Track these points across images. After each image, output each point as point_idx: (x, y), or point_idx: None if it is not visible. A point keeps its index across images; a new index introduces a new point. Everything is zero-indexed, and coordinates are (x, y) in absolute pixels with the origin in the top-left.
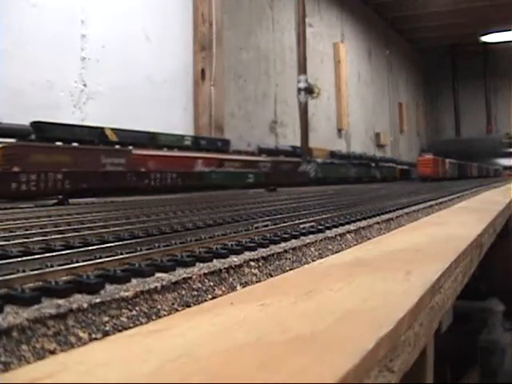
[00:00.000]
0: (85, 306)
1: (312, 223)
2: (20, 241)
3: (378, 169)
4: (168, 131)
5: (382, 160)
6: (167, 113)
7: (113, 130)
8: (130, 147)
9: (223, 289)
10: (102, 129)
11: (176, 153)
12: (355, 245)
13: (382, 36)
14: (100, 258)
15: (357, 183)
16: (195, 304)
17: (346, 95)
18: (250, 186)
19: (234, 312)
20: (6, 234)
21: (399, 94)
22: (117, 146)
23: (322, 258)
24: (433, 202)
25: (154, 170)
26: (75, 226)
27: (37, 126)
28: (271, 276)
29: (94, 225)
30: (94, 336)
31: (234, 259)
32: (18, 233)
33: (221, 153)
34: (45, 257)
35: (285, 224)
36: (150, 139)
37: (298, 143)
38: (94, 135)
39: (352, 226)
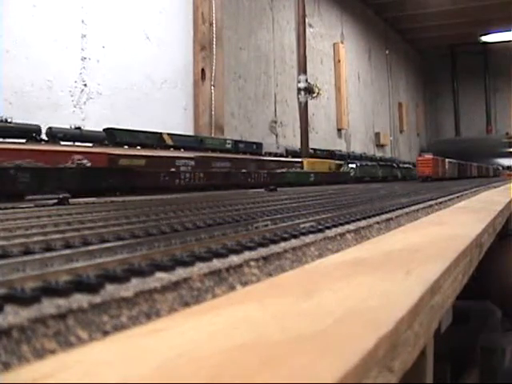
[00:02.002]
0: (85, 306)
1: (312, 223)
2: (20, 241)
3: (399, 169)
4: (168, 131)
5: (402, 162)
6: (167, 112)
7: (169, 134)
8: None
9: (223, 289)
10: (160, 134)
11: (34, 146)
12: (355, 245)
13: (382, 36)
14: (100, 257)
15: (383, 181)
16: (195, 304)
17: (346, 95)
18: (311, 183)
19: (234, 312)
20: (7, 234)
21: (399, 93)
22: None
23: (322, 257)
24: (432, 202)
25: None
26: (75, 226)
27: (109, 132)
28: (271, 276)
29: (94, 225)
30: (93, 336)
31: (234, 259)
32: (18, 233)
33: (256, 154)
34: (45, 257)
35: (285, 224)
36: (199, 142)
37: (297, 143)
38: (154, 139)
39: (352, 226)
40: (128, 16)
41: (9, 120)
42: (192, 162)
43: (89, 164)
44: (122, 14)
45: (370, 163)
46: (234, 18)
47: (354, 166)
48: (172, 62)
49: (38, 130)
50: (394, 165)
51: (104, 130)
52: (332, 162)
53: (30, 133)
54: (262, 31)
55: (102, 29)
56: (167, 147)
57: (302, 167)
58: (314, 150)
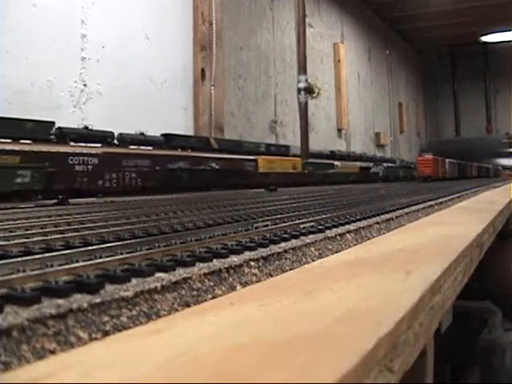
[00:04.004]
0: (85, 305)
1: (312, 223)
2: (20, 241)
3: (415, 170)
4: (168, 131)
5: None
6: (167, 112)
7: (215, 139)
8: None
9: (223, 289)
10: (207, 138)
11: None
12: (355, 245)
13: (382, 36)
14: (100, 257)
15: (403, 180)
16: (195, 304)
17: (346, 95)
18: (352, 181)
19: (234, 312)
20: (6, 234)
21: (399, 93)
22: None
23: (321, 257)
24: (432, 202)
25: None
26: (75, 226)
27: (166, 137)
28: (271, 276)
29: (94, 225)
30: (93, 336)
31: (234, 259)
32: (18, 233)
33: (284, 156)
34: (45, 257)
35: (285, 224)
36: (238, 146)
37: (297, 143)
38: (202, 143)
39: (352, 226)
40: (128, 16)
41: (89, 127)
42: (95, 160)
43: (217, 167)
44: (122, 14)
45: (394, 165)
46: (234, 18)
47: (382, 168)
48: (172, 62)
49: (111, 135)
50: (412, 166)
51: (162, 135)
52: (297, 160)
53: (105, 138)
54: (262, 31)
55: (102, 29)
56: (213, 150)
57: (256, 166)
58: (331, 152)
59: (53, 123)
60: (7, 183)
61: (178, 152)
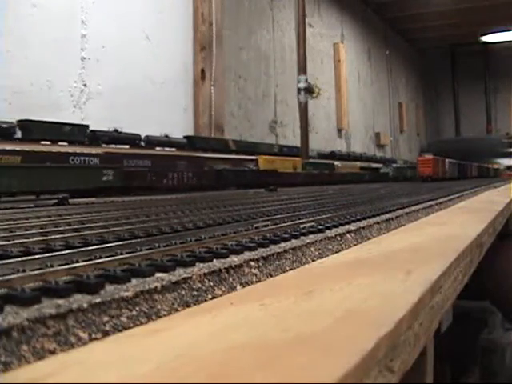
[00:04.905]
0: (85, 305)
1: (312, 223)
2: (20, 241)
3: None
4: (168, 131)
5: None
6: (167, 112)
7: (233, 141)
8: None
9: (223, 289)
10: (226, 140)
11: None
12: (355, 245)
13: (382, 36)
14: (100, 257)
15: (411, 181)
16: (195, 304)
17: (346, 95)
18: (365, 181)
19: (234, 312)
20: (6, 234)
21: (399, 93)
22: None
23: (322, 257)
24: (432, 202)
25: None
26: (75, 226)
27: (188, 139)
28: (271, 276)
29: (94, 225)
30: (93, 336)
31: (234, 259)
32: (18, 233)
33: (295, 156)
34: (45, 257)
35: (285, 224)
36: (254, 147)
37: (297, 143)
38: (221, 145)
39: (352, 226)
40: (128, 16)
41: (119, 130)
42: (96, 160)
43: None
44: (122, 14)
45: (401, 166)
46: (234, 18)
47: (391, 168)
48: (172, 62)
49: (139, 138)
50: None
51: (184, 137)
52: (298, 160)
53: (133, 140)
54: (261, 31)
55: (102, 29)
56: (231, 152)
57: (256, 165)
58: (331, 152)
59: (87, 126)
60: (97, 180)
61: (165, 152)
